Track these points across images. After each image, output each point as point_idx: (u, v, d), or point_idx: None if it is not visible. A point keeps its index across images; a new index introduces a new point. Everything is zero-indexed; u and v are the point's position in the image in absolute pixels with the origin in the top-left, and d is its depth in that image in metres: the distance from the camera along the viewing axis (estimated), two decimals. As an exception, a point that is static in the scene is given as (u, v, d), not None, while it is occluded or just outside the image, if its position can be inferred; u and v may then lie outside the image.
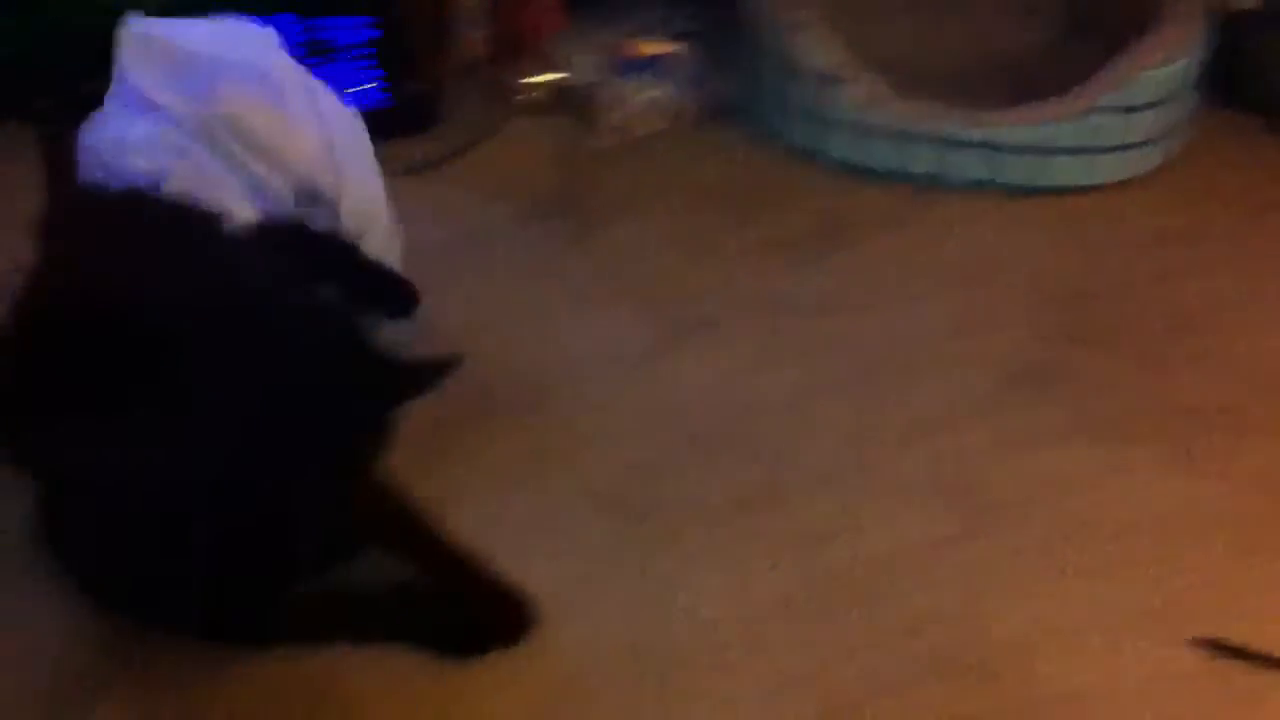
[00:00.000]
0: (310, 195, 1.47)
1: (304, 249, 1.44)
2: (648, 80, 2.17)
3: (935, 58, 2.21)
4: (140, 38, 1.42)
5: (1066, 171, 1.99)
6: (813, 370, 1.63)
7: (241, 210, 1.40)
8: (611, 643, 1.25)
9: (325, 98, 1.55)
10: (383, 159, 1.65)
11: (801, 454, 1.49)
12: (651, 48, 2.24)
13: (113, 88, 1.43)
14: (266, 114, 1.42)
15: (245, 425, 1.08)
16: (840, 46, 2.05)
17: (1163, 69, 1.96)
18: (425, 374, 1.17)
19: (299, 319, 1.20)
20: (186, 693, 1.20)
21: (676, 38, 2.26)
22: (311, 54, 2.02)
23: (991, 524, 1.39)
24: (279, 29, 2.06)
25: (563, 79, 2.21)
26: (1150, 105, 1.97)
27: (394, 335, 1.44)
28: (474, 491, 1.42)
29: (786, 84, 2.08)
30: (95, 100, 1.64)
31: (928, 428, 1.53)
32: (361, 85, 2.11)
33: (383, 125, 1.75)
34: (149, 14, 1.51)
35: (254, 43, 1.48)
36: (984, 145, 1.98)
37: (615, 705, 1.19)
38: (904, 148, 2.01)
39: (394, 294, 1.54)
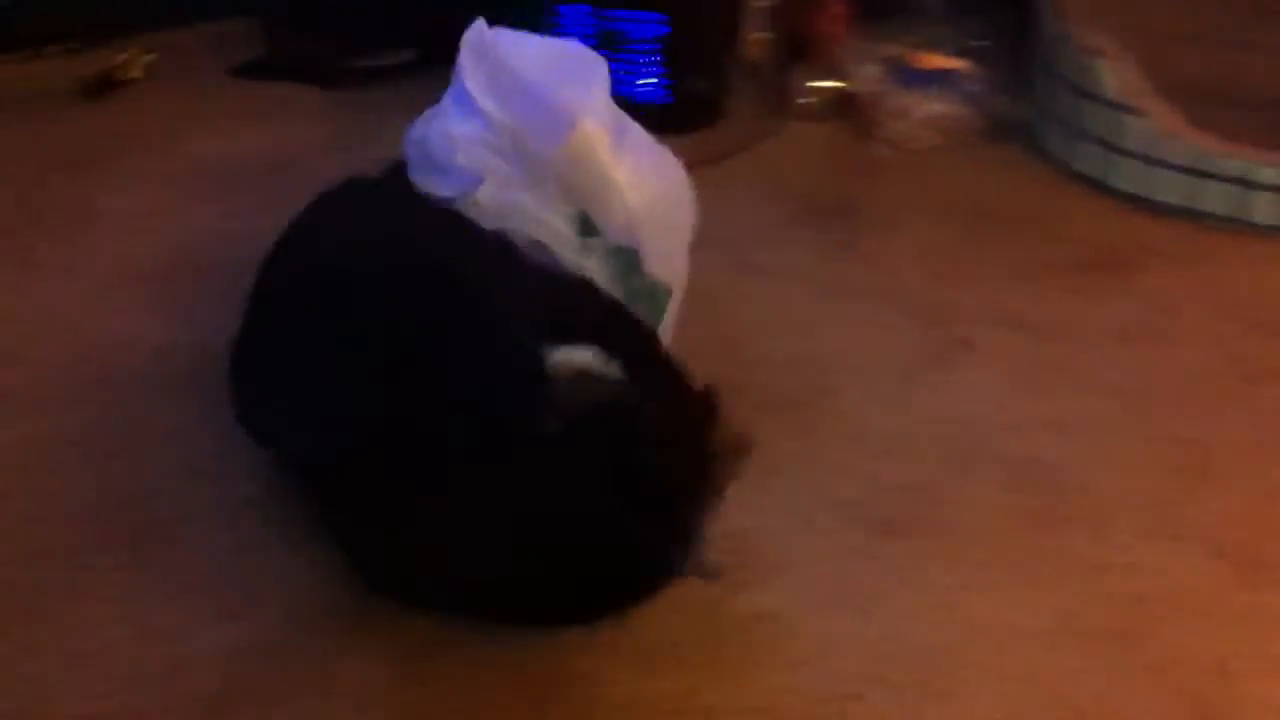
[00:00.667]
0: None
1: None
2: (931, 94, 2.16)
3: (1236, 88, 2.12)
4: (480, 44, 1.47)
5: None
6: (1079, 400, 1.58)
7: (538, 231, 1.43)
8: (844, 653, 1.24)
9: (640, 137, 1.55)
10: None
11: (1068, 484, 1.45)
12: (936, 61, 2.22)
13: (450, 87, 1.49)
14: (605, 155, 1.44)
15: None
16: (1136, 75, 1.98)
17: None
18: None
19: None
20: (435, 661, 1.20)
21: (963, 53, 2.24)
22: (600, 45, 2.07)
23: (1264, 580, 1.33)
24: (573, 18, 2.16)
25: (845, 86, 2.22)
26: None
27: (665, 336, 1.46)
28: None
29: (1075, 109, 2.03)
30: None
31: (1209, 471, 1.47)
32: (645, 79, 2.15)
33: (663, 120, 1.77)
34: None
35: (587, 71, 1.51)
36: (1280, 188, 1.89)
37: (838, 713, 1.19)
38: (1196, 184, 1.93)
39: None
